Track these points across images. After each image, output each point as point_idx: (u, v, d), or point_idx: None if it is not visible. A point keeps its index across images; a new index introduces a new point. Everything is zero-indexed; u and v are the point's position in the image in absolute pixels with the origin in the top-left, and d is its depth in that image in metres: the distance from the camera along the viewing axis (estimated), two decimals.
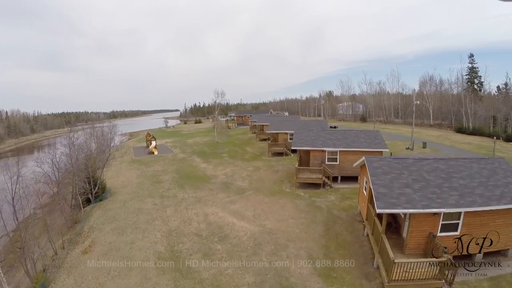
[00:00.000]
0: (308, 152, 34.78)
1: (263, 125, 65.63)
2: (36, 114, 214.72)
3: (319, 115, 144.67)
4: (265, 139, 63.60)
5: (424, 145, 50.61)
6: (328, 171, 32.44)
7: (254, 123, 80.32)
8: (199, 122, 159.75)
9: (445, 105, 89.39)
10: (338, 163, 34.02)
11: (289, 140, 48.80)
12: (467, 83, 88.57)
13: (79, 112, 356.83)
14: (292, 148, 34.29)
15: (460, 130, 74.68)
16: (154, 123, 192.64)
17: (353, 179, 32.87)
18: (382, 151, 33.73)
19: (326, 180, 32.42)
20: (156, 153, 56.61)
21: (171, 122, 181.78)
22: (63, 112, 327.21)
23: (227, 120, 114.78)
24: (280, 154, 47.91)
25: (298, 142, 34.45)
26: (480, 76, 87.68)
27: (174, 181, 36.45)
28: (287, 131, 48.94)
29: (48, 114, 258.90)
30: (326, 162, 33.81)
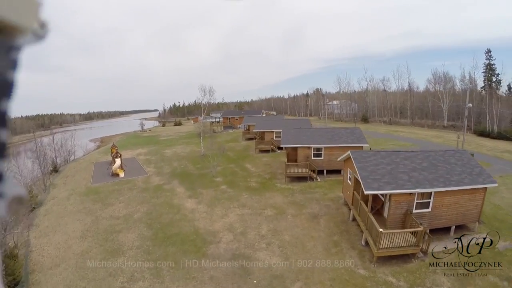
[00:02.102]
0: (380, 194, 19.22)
1: (264, 132, 49.26)
2: None
3: (310, 115, 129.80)
4: (267, 151, 47.50)
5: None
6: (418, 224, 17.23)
7: (248, 128, 63.75)
8: (179, 124, 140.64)
9: (459, 104, 76.65)
10: (430, 210, 18.84)
11: (312, 158, 32.93)
12: (484, 81, 76.05)
13: (54, 114, 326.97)
14: (367, 192, 17.83)
15: (483, 134, 62.41)
16: (131, 125, 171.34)
17: (445, 230, 19.58)
18: (486, 187, 19.67)
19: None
20: (122, 175, 39.27)
21: (148, 124, 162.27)
22: (37, 115, 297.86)
23: (212, 122, 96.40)
24: (302, 178, 31.88)
25: (372, 180, 18.39)
26: (498, 74, 75.38)
27: (142, 251, 19.50)
28: (310, 145, 32.89)
29: (18, 117, 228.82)
30: (414, 211, 18.45)
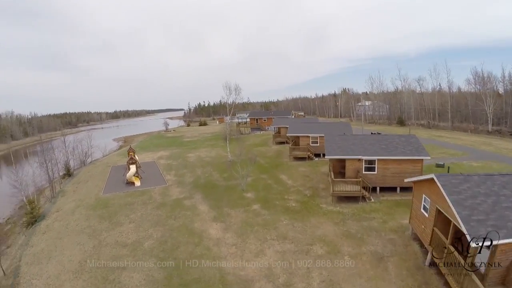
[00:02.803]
0: None
1: (299, 136, 42.88)
2: (31, 116, 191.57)
3: (340, 116, 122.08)
4: (303, 158, 41.29)
5: None
6: None
7: (278, 130, 57.57)
8: (204, 124, 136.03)
9: (502, 107, 67.21)
10: None
11: (364, 172, 26.44)
12: None
13: (81, 112, 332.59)
14: (474, 245, 11.20)
15: None
16: (155, 124, 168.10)
17: None
18: None
19: None
20: (137, 184, 34.16)
21: (173, 123, 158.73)
22: (65, 113, 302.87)
23: (239, 123, 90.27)
24: (351, 198, 25.45)
25: (477, 223, 11.66)
26: None
27: None
28: (361, 157, 26.41)
29: (45, 115, 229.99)
30: None
